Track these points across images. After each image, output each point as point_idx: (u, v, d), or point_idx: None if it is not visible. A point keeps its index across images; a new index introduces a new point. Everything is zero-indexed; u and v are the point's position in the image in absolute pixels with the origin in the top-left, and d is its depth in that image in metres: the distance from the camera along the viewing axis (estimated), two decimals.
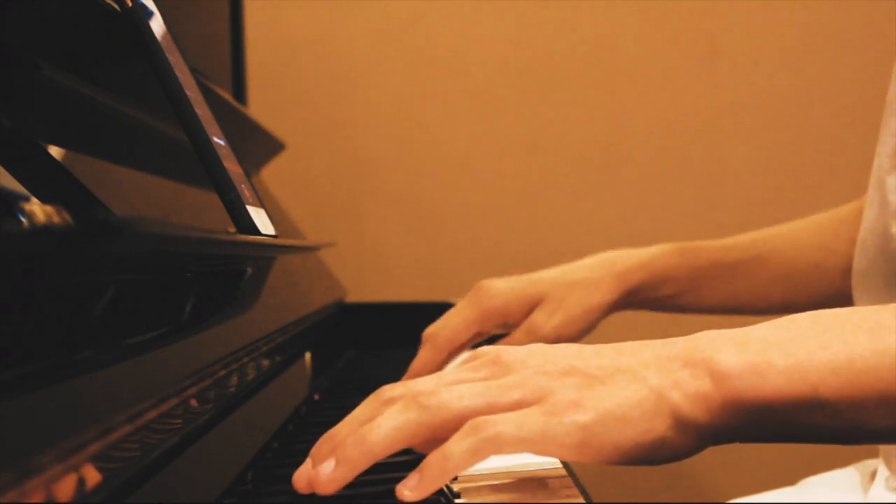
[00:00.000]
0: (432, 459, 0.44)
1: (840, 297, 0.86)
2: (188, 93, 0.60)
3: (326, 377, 0.91)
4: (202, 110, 0.62)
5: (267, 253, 0.77)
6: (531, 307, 0.82)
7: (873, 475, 0.78)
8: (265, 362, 0.68)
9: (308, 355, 0.90)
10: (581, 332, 0.83)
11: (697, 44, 1.52)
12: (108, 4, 0.59)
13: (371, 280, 1.52)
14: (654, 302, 0.88)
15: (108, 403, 0.39)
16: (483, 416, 0.44)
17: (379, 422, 0.45)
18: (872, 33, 1.48)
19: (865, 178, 0.81)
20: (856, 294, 0.75)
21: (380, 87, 1.53)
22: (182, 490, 0.44)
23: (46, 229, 0.31)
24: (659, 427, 0.45)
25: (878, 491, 0.75)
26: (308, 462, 0.47)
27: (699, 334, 0.48)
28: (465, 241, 1.53)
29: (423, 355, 0.80)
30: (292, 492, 0.48)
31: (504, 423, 0.44)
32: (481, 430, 0.44)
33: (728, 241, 0.90)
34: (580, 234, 1.52)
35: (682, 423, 0.45)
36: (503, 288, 0.82)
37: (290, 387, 0.76)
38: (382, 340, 1.13)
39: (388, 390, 0.48)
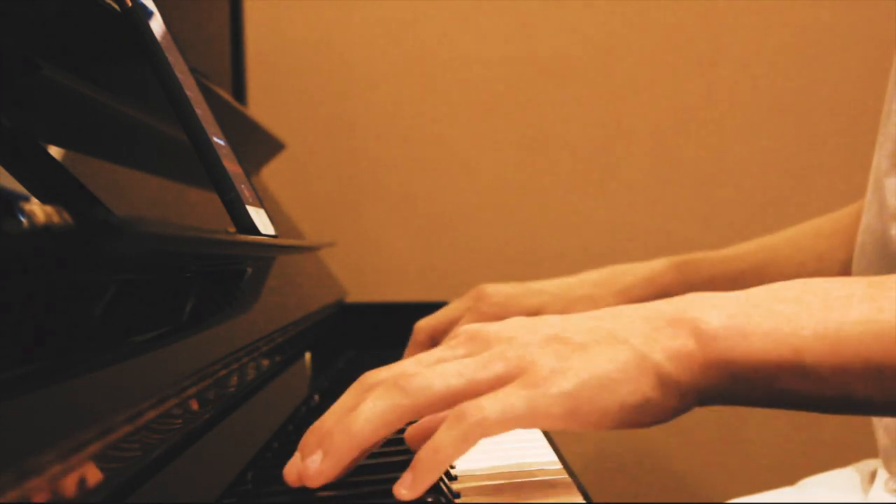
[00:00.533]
0: (423, 454, 0.44)
1: None
2: (188, 93, 0.60)
3: (326, 377, 0.91)
4: (202, 110, 0.62)
5: (267, 253, 0.77)
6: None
7: (873, 476, 0.78)
8: (265, 362, 0.68)
9: (308, 355, 0.90)
10: None
11: (697, 44, 1.52)
12: (108, 4, 0.59)
13: (371, 280, 1.52)
14: None
15: (108, 403, 0.39)
16: (467, 402, 0.44)
17: (362, 409, 0.45)
18: (872, 33, 1.48)
19: (865, 179, 0.81)
20: None
21: (380, 87, 1.53)
22: (182, 490, 0.44)
23: (46, 229, 0.31)
24: (643, 387, 0.44)
25: (878, 492, 0.75)
26: (297, 455, 0.47)
27: (686, 296, 0.48)
28: (464, 241, 1.53)
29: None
30: (292, 492, 0.48)
31: (489, 406, 0.43)
32: (467, 416, 0.43)
33: (729, 251, 0.89)
34: (580, 234, 1.52)
35: (665, 383, 0.45)
36: (503, 295, 0.82)
37: (290, 387, 0.76)
38: (382, 340, 1.13)
39: (371, 376, 0.48)
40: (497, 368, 0.45)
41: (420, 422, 0.50)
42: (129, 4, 0.59)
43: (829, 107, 1.51)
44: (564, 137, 1.53)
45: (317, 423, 0.47)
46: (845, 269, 0.85)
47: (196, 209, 0.74)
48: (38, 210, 0.31)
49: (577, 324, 0.47)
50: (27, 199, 0.45)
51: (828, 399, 0.46)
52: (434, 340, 0.82)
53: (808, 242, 0.87)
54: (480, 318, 0.80)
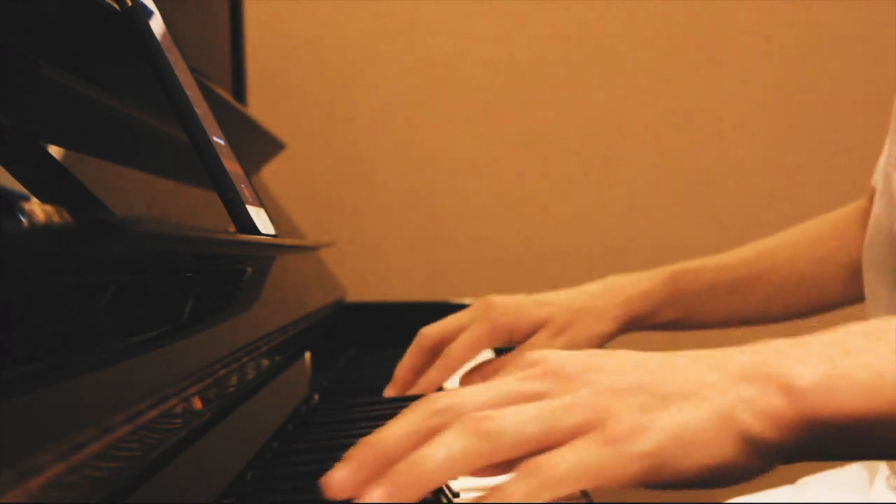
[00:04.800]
0: (490, 499, 0.42)
1: (839, 305, 0.87)
2: (188, 92, 0.60)
3: (326, 377, 0.91)
4: (202, 110, 0.62)
5: (267, 252, 0.77)
6: (536, 328, 0.82)
7: (873, 474, 0.78)
8: (265, 362, 0.68)
9: (308, 355, 0.90)
10: None
11: (697, 44, 1.52)
12: (108, 4, 0.59)
13: (371, 280, 1.52)
14: (655, 327, 0.89)
15: (108, 403, 0.39)
16: (544, 456, 0.42)
17: (434, 451, 0.43)
18: (872, 33, 1.48)
19: (866, 178, 0.81)
20: (868, 290, 0.75)
21: (380, 87, 1.52)
22: (182, 489, 0.44)
23: (46, 229, 0.31)
24: (726, 450, 0.42)
25: (879, 490, 0.75)
26: (345, 466, 0.44)
27: (762, 346, 0.46)
28: (464, 241, 1.53)
29: (434, 373, 0.79)
30: (291, 491, 0.48)
31: (564, 463, 0.42)
32: (541, 473, 0.42)
33: (725, 258, 0.90)
34: (580, 234, 1.52)
35: (750, 444, 0.43)
36: (511, 306, 0.82)
37: (290, 387, 0.76)
38: (382, 340, 1.13)
39: (440, 400, 0.46)
40: (575, 418, 0.43)
41: None
42: (129, 4, 0.59)
43: (829, 106, 1.51)
44: (564, 137, 1.53)
45: (375, 440, 0.44)
46: (846, 273, 0.85)
47: (196, 209, 0.74)
48: (38, 210, 0.31)
49: (660, 372, 0.45)
50: (27, 199, 0.45)
51: None
52: (438, 349, 0.81)
53: (806, 248, 0.88)
54: (492, 329, 0.80)
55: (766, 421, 0.43)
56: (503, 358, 0.81)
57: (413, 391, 0.78)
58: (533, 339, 0.81)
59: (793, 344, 0.45)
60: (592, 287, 0.87)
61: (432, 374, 0.79)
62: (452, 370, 0.79)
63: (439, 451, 0.42)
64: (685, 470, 0.42)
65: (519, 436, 0.43)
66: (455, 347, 0.79)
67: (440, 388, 0.82)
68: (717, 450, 0.42)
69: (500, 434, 0.43)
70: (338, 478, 0.43)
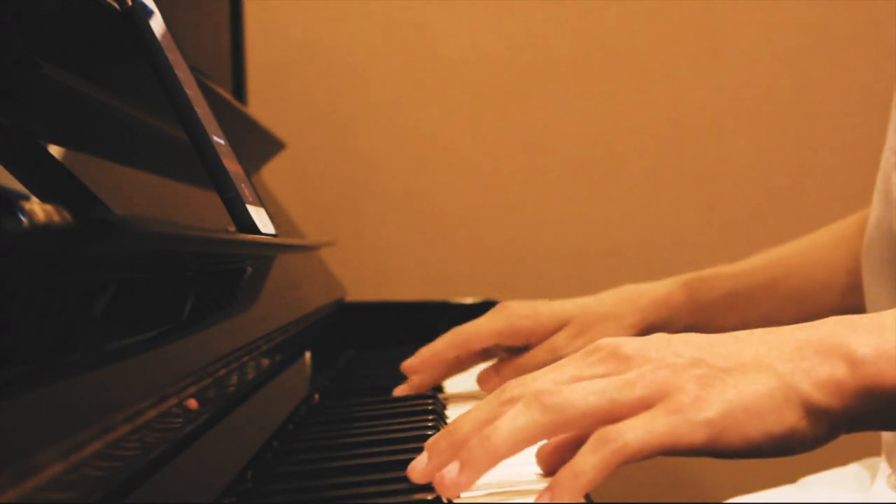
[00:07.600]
0: (562, 477, 0.43)
1: (844, 313, 0.86)
2: (188, 92, 0.60)
3: (326, 376, 0.91)
4: (202, 109, 0.62)
5: (267, 252, 0.77)
6: (557, 328, 0.81)
7: (875, 473, 0.78)
8: (265, 361, 0.68)
9: (308, 354, 0.90)
10: None
11: (697, 44, 1.52)
12: (108, 4, 0.59)
13: (371, 279, 1.52)
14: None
15: (108, 403, 0.39)
16: (609, 426, 0.43)
17: (502, 423, 0.45)
18: (872, 33, 1.48)
19: (865, 178, 0.81)
20: (867, 291, 0.75)
21: (380, 87, 1.52)
22: (182, 489, 0.44)
23: (46, 228, 0.31)
24: (789, 417, 0.44)
25: (880, 489, 0.75)
26: (424, 455, 0.47)
27: (826, 320, 0.47)
28: (465, 241, 1.53)
29: (439, 345, 0.79)
30: (291, 490, 0.48)
31: (631, 431, 0.43)
32: (609, 442, 0.43)
33: (740, 266, 0.89)
34: (580, 234, 1.52)
35: (813, 412, 0.44)
36: (529, 308, 0.82)
37: (290, 386, 0.77)
38: (382, 339, 1.13)
39: (511, 388, 0.48)
40: (639, 391, 0.44)
41: (551, 441, 0.49)
42: (130, 3, 0.59)
43: (830, 106, 1.51)
44: (564, 137, 1.53)
45: (449, 428, 0.47)
46: (852, 278, 0.85)
47: (196, 208, 0.74)
48: (38, 209, 0.31)
49: (720, 347, 0.46)
50: (27, 199, 0.45)
51: None
52: (470, 346, 0.80)
53: (818, 255, 0.87)
54: (507, 325, 0.80)
55: (827, 389, 0.44)
56: (523, 357, 0.80)
57: (418, 368, 0.79)
58: (554, 337, 0.80)
59: (857, 318, 0.47)
60: (608, 295, 0.86)
61: (437, 345, 0.79)
62: (458, 348, 0.79)
63: (507, 424, 0.44)
64: (750, 436, 0.43)
65: (584, 408, 0.44)
66: (467, 328, 0.79)
67: (439, 388, 0.82)
68: (780, 417, 0.43)
69: (566, 406, 0.44)
70: (418, 466, 0.47)
